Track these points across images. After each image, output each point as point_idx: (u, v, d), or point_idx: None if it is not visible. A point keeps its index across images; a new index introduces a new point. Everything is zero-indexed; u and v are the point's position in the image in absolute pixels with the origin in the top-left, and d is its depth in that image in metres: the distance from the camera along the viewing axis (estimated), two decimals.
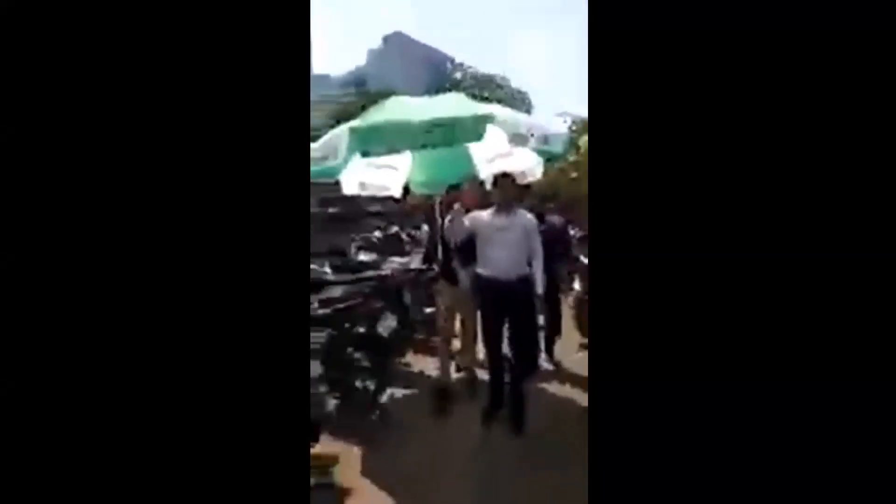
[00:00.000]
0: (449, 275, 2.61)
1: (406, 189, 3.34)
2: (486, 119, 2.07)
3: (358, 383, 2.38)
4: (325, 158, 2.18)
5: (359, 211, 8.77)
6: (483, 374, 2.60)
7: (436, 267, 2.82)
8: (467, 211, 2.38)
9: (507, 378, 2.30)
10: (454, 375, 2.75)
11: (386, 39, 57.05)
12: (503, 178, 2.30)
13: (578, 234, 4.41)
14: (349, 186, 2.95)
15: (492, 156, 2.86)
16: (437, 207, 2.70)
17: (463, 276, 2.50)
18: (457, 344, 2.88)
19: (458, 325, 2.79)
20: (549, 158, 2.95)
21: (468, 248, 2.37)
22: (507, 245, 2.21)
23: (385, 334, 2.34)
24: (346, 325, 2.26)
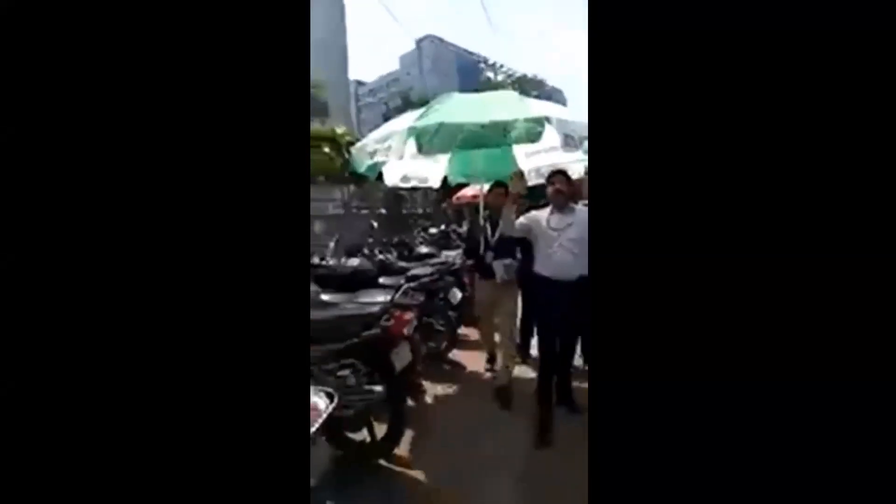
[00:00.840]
0: (484, 270, 2.63)
1: (444, 180, 3.39)
2: (545, 120, 2.09)
3: (432, 344, 3.13)
4: (374, 153, 2.29)
5: (400, 211, 9.64)
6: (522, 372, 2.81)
7: (472, 261, 2.81)
8: (517, 207, 2.40)
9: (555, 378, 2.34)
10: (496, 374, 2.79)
11: (418, 43, 58.10)
12: (558, 175, 2.24)
13: None
14: (391, 178, 3.10)
15: (532, 151, 2.87)
16: (480, 204, 2.79)
17: (499, 268, 2.52)
18: (496, 338, 2.88)
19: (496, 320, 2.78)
20: None
21: (510, 244, 2.41)
22: (566, 245, 2.13)
23: (455, 303, 3.06)
24: (427, 297, 3.00)
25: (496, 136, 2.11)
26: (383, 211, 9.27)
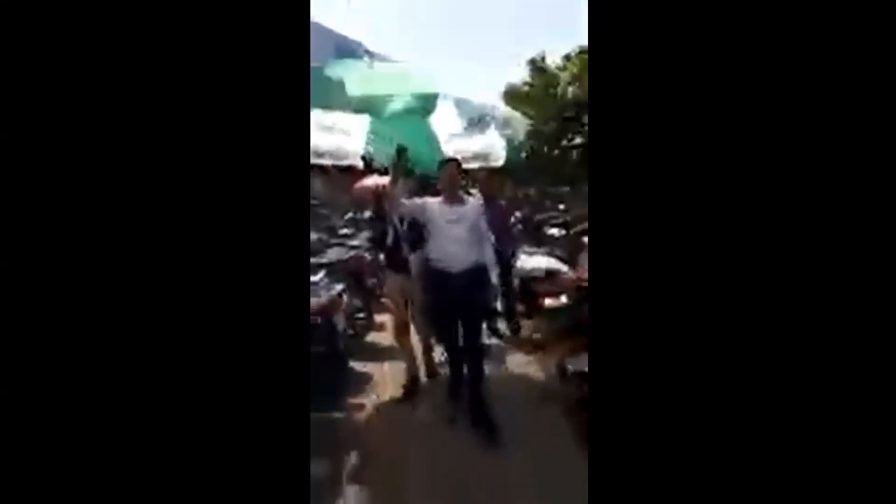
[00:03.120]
0: (396, 263, 2.52)
1: (364, 159, 3.24)
2: (436, 97, 2.14)
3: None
4: None
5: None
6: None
7: (382, 255, 2.74)
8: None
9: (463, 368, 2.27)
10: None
11: None
12: (449, 163, 2.22)
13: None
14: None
15: (454, 133, 2.85)
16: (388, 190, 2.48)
17: (414, 260, 2.43)
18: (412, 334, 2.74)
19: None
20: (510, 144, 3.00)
21: (417, 234, 2.34)
22: (459, 236, 2.16)
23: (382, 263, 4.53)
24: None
25: (385, 105, 2.11)
26: None
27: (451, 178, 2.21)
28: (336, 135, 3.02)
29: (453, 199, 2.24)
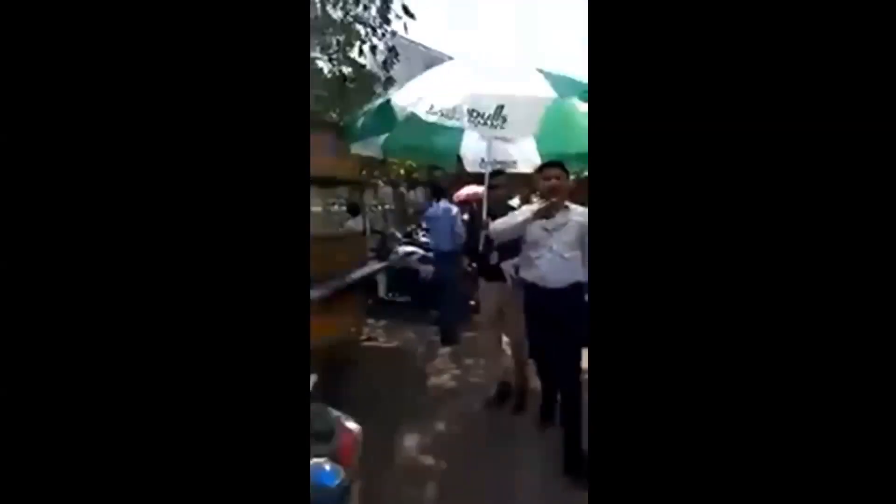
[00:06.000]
0: (490, 272, 2.42)
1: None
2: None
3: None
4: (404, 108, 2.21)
5: (404, 208, 11.47)
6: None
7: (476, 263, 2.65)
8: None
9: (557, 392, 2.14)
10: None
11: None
12: (553, 168, 2.02)
13: None
14: (470, 164, 3.02)
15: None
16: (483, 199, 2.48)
17: (509, 269, 2.31)
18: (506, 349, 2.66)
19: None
20: None
21: (515, 242, 2.18)
22: (555, 248, 1.95)
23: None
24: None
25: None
26: (391, 207, 11.12)
27: (549, 181, 1.99)
28: (505, 144, 2.98)
29: (552, 206, 1.99)
